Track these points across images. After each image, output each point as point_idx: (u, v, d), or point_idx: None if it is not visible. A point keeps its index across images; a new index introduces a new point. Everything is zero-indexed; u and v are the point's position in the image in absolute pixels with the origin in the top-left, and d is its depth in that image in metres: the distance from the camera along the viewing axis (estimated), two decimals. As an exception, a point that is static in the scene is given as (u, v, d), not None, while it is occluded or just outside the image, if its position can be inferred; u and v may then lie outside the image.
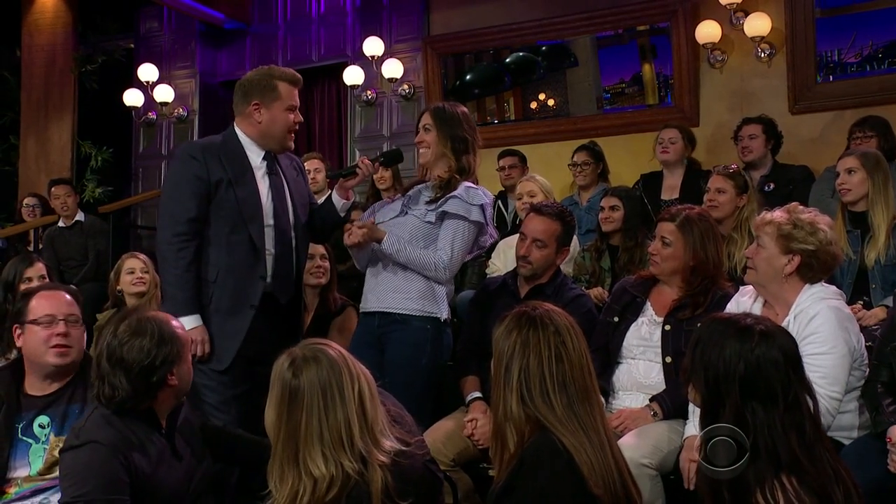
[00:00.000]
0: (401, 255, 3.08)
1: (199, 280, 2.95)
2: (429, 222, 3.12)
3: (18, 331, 2.61)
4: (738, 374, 1.82)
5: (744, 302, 2.80)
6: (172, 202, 2.99)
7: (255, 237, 2.99)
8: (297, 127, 3.13)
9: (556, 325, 2.03)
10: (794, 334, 2.41)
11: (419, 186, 3.23)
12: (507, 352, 2.02)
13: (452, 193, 3.10)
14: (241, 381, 2.94)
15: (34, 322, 2.57)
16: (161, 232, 3.00)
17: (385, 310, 3.11)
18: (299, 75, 3.17)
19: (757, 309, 2.72)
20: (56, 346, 2.56)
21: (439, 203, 3.11)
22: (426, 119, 3.21)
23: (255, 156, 3.09)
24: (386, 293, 3.12)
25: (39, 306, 2.60)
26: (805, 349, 2.42)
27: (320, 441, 1.97)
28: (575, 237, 3.76)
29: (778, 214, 2.70)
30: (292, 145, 3.17)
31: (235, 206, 2.98)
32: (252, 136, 3.09)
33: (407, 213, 3.17)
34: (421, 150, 3.22)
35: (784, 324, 2.56)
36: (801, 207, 2.73)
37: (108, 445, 2.18)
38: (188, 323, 2.81)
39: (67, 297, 2.68)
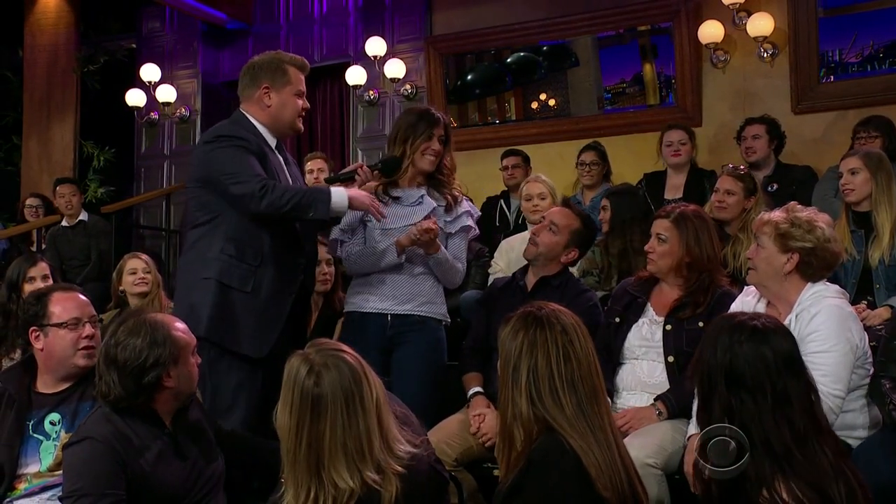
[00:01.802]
0: (446, 264, 3.18)
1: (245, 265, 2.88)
2: (449, 233, 3.23)
3: (37, 333, 2.61)
4: (723, 365, 1.87)
5: (748, 301, 2.81)
6: (238, 166, 2.83)
7: (299, 224, 2.99)
8: (304, 113, 3.09)
9: (563, 324, 2.03)
10: (795, 333, 2.42)
11: (423, 194, 3.22)
12: (515, 352, 2.01)
13: (466, 209, 3.27)
14: (263, 375, 2.83)
15: (60, 325, 2.58)
16: (243, 189, 2.79)
17: (408, 312, 3.14)
18: (307, 61, 3.13)
19: (761, 308, 2.73)
20: (84, 348, 2.58)
21: (458, 214, 3.24)
22: (444, 131, 3.22)
23: (271, 143, 3.05)
24: (407, 296, 3.15)
25: (63, 309, 2.60)
26: (806, 347, 2.45)
27: (344, 452, 1.93)
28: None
29: (776, 214, 2.71)
30: (302, 127, 3.15)
31: None
32: (263, 121, 3.02)
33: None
34: (431, 158, 3.20)
35: (786, 323, 2.56)
36: (798, 206, 2.74)
37: (103, 441, 2.21)
38: (339, 192, 2.84)
39: (84, 297, 2.69)
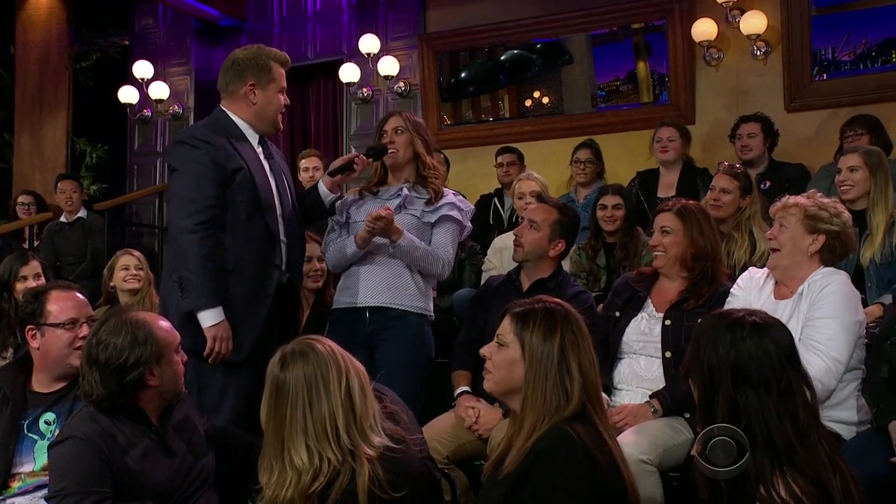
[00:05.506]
0: (416, 252, 3.10)
1: (219, 270, 2.84)
2: (427, 223, 3.18)
3: (33, 332, 2.59)
4: (728, 362, 1.86)
5: (757, 279, 2.85)
6: (190, 189, 2.84)
7: (270, 225, 2.95)
8: (284, 109, 3.09)
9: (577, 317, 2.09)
10: (804, 301, 2.58)
11: (403, 187, 3.21)
12: (555, 351, 2.02)
13: (448, 199, 3.21)
14: (249, 375, 2.83)
15: (57, 325, 2.57)
16: (179, 220, 2.83)
17: (383, 304, 3.10)
18: (288, 57, 3.12)
19: (769, 285, 2.80)
20: (80, 348, 2.54)
21: (438, 205, 3.18)
22: (398, 122, 3.22)
23: (253, 140, 3.04)
24: (382, 288, 3.11)
25: (61, 309, 2.59)
26: (813, 313, 2.59)
27: (304, 433, 2.03)
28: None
29: (801, 199, 2.78)
30: (282, 125, 3.14)
31: (253, 193, 2.91)
32: (246, 119, 3.01)
33: (401, 212, 3.16)
34: (390, 152, 3.20)
35: (798, 292, 2.66)
36: (819, 194, 2.82)
37: (87, 440, 2.21)
38: (212, 317, 2.78)
39: (81, 297, 2.68)
